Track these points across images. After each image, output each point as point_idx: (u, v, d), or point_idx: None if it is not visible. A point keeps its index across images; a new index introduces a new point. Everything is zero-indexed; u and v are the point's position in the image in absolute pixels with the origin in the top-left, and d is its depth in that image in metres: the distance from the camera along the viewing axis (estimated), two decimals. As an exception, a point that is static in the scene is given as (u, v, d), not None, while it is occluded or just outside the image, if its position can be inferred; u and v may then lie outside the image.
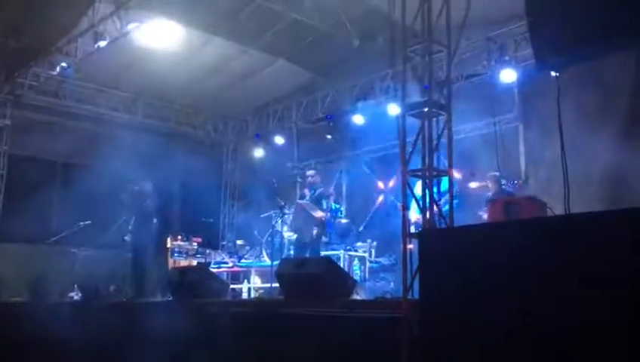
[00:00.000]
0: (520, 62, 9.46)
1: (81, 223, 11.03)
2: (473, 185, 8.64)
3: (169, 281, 7.77)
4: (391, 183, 9.62)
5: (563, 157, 4.27)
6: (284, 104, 13.62)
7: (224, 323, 6.00)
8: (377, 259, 10.16)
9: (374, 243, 10.26)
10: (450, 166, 4.96)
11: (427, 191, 4.82)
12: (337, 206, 10.39)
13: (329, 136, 12.54)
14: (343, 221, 10.20)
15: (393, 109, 10.89)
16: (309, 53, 11.55)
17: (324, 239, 9.61)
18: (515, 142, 10.03)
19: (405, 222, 5.00)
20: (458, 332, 3.83)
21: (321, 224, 9.05)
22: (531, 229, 3.72)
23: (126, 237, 9.95)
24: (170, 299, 7.63)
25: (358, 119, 11.97)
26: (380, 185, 10.48)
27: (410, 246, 5.10)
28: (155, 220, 9.39)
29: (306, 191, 9.52)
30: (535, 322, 3.48)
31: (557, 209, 5.83)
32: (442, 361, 3.94)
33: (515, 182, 8.69)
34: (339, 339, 5.07)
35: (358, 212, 11.16)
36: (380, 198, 10.53)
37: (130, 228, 9.48)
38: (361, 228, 10.22)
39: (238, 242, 12.16)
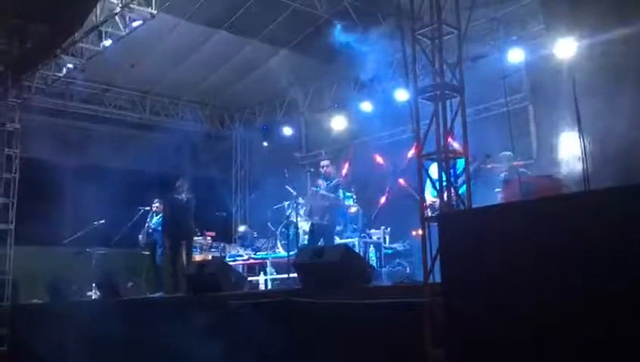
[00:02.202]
0: (528, 42, 9.38)
1: (95, 223, 11.09)
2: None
3: (187, 276, 7.80)
4: (410, 154, 9.40)
5: (580, 134, 4.24)
6: (290, 94, 13.59)
7: (245, 315, 6.03)
8: (392, 246, 10.17)
9: (388, 229, 10.26)
10: (466, 147, 4.94)
11: (443, 174, 4.81)
12: (349, 194, 10.38)
13: (336, 126, 12.54)
14: (353, 209, 10.19)
15: (401, 95, 10.85)
16: (313, 41, 11.49)
17: (338, 228, 9.62)
18: (525, 123, 10.00)
19: (423, 205, 4.99)
20: (483, 316, 3.82)
21: (332, 205, 9.03)
22: (553, 207, 3.70)
23: (140, 236, 10.05)
24: (190, 293, 7.65)
25: (366, 106, 11.95)
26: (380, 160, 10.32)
27: (420, 231, 5.08)
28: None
29: (320, 182, 9.52)
30: (562, 306, 3.44)
31: (573, 188, 5.82)
32: (468, 345, 3.94)
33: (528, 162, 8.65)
34: (361, 327, 5.08)
35: (367, 199, 11.14)
36: (385, 196, 10.44)
37: (154, 227, 9.65)
38: (373, 216, 10.20)
39: (243, 230, 12.29)
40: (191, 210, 9.60)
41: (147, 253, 10.33)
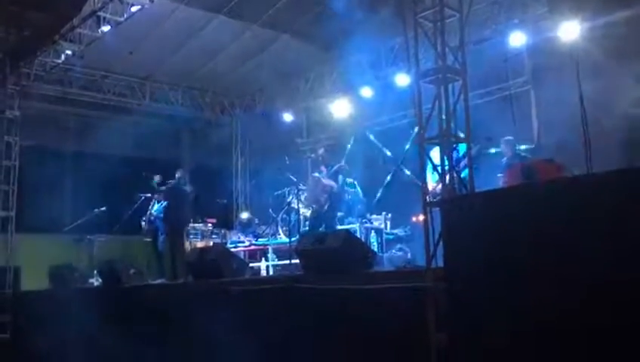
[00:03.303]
0: (529, 25, 9.30)
1: (96, 210, 11.09)
2: None
3: (188, 262, 7.81)
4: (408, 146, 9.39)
5: (583, 115, 4.21)
6: (290, 80, 13.52)
7: (247, 301, 6.03)
8: (393, 231, 10.17)
9: (389, 214, 10.26)
10: (468, 131, 4.91)
11: (445, 158, 4.78)
12: (349, 181, 10.36)
13: (337, 111, 12.48)
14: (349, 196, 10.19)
15: (402, 80, 10.80)
16: (313, 26, 11.40)
17: (339, 214, 9.61)
18: (526, 107, 9.95)
19: (425, 190, 4.97)
20: (486, 300, 3.81)
21: (332, 194, 9.03)
22: (556, 190, 3.67)
23: (143, 222, 10.05)
24: (191, 280, 7.65)
25: (366, 92, 11.90)
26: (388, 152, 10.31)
27: (420, 217, 5.07)
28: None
29: (323, 168, 9.53)
30: (565, 289, 3.42)
31: (574, 171, 5.78)
32: (471, 330, 3.93)
33: (529, 146, 8.62)
34: (363, 312, 5.07)
35: (367, 184, 11.13)
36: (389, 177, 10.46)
37: (155, 214, 9.73)
38: (376, 199, 10.19)
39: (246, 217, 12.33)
40: (190, 201, 10.00)
41: (149, 239, 10.33)
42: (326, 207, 8.99)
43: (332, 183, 9.27)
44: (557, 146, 8.93)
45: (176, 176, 9.88)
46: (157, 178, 10.25)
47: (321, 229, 9.03)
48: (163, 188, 9.93)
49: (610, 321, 3.25)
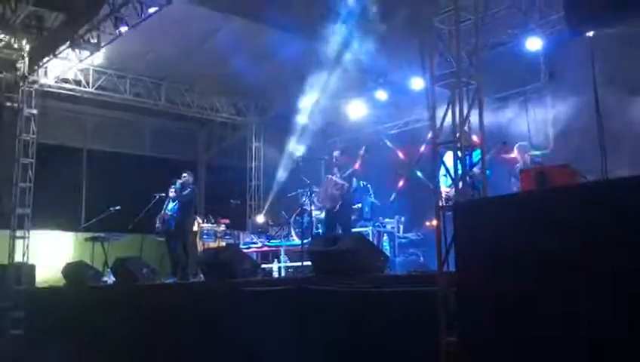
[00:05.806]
0: (545, 30, 9.25)
1: (111, 209, 11.17)
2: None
3: (200, 262, 7.85)
4: (422, 148, 9.39)
5: (599, 121, 4.17)
6: (305, 82, 13.51)
7: (258, 302, 6.04)
8: (406, 235, 10.16)
9: (402, 218, 10.24)
10: (483, 136, 4.89)
11: (459, 163, 4.76)
12: (365, 183, 10.36)
13: (351, 114, 12.47)
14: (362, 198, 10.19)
15: (417, 83, 10.78)
16: (328, 28, 11.40)
17: (352, 217, 9.60)
18: (542, 112, 9.90)
19: (438, 194, 4.96)
20: (497, 306, 3.79)
21: (345, 193, 9.03)
22: (570, 197, 3.64)
23: (157, 223, 10.12)
24: (204, 279, 7.68)
25: (381, 95, 11.90)
26: (401, 155, 10.33)
27: (434, 222, 5.05)
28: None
29: (335, 171, 9.55)
30: (575, 297, 3.39)
31: (589, 177, 5.74)
32: (481, 335, 3.91)
33: (545, 151, 8.57)
34: (374, 315, 5.07)
35: (381, 187, 11.12)
36: (401, 182, 10.45)
37: (170, 213, 9.84)
38: (391, 199, 10.19)
39: (261, 220, 12.35)
40: (191, 200, 10.29)
41: (162, 239, 10.39)
42: (338, 206, 8.95)
43: (344, 183, 9.27)
44: (573, 152, 8.87)
45: (184, 178, 9.99)
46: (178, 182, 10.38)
47: (335, 231, 9.02)
48: (186, 191, 10.01)
49: (617, 332, 3.22)
